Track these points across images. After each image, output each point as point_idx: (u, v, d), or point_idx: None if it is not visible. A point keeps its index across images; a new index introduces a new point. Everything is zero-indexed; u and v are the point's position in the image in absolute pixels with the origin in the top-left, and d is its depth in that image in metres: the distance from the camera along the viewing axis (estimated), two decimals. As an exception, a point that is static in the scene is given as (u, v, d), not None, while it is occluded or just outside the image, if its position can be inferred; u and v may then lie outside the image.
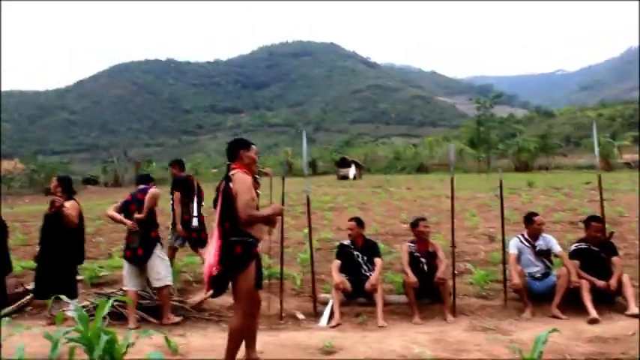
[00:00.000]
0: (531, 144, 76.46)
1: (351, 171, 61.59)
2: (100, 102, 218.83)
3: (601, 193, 7.38)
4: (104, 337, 3.64)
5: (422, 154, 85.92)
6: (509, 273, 6.31)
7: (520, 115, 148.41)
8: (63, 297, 4.58)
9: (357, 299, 6.40)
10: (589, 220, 6.61)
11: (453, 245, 6.70)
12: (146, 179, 6.89)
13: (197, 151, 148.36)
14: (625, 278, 6.17)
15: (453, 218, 6.53)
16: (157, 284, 6.23)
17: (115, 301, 6.28)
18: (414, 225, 6.56)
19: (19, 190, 63.16)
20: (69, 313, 5.97)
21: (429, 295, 6.25)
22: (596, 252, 6.41)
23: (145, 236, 6.30)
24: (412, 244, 6.46)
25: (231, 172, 4.27)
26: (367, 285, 6.16)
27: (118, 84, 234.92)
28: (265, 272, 7.23)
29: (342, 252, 6.55)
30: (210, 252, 4.13)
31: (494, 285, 7.01)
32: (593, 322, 5.59)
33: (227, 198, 4.15)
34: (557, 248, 6.44)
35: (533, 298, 6.28)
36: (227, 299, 6.87)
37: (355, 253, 6.49)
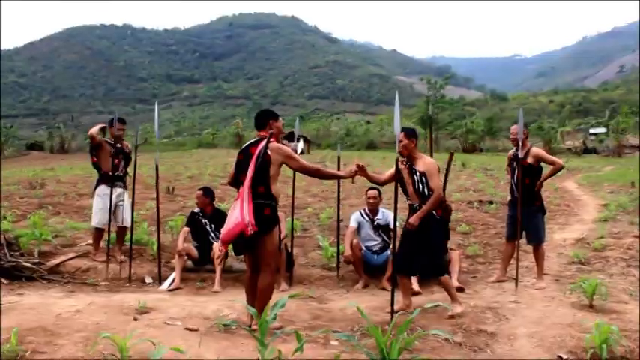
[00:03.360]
0: (479, 126, 77.97)
1: (299, 145, 61.76)
2: (52, 66, 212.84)
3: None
4: None
5: (373, 132, 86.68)
6: (344, 245, 6.70)
7: (474, 97, 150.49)
8: None
9: (205, 266, 6.71)
10: (367, 190, 6.93)
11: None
12: None
13: (150, 120, 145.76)
14: (454, 255, 6.62)
15: (291, 195, 6.87)
16: None
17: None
18: None
19: (-42, 154, 61.39)
20: None
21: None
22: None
23: None
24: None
25: (268, 142, 4.54)
26: (212, 252, 6.47)
27: (72, 48, 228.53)
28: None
29: (192, 220, 6.84)
30: (236, 214, 4.37)
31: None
32: (412, 293, 5.99)
33: (264, 164, 4.46)
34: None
35: (372, 270, 6.66)
36: (84, 262, 7.18)
37: (204, 221, 6.80)
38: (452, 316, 5.03)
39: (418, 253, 5.21)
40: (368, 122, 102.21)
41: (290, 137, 64.85)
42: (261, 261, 4.58)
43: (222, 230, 4.52)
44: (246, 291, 4.76)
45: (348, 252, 6.49)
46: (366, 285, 6.47)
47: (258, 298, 4.51)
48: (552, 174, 6.68)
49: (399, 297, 5.37)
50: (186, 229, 6.77)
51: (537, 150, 6.59)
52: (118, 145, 7.30)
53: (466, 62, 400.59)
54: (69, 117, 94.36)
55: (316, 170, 4.78)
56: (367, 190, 6.87)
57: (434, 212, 5.22)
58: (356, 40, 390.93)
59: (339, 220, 7.13)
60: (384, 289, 6.33)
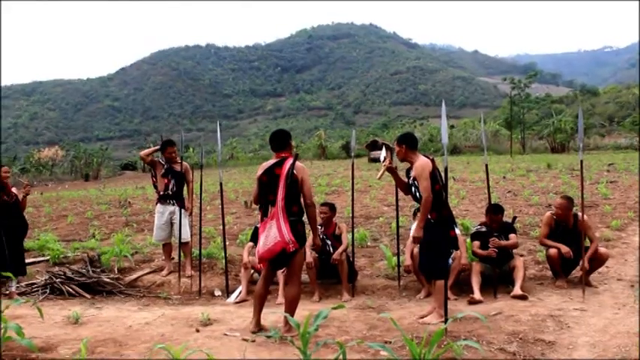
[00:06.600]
0: (568, 124, 74.78)
1: (382, 153, 61.23)
2: (142, 89, 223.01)
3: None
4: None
5: (456, 136, 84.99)
6: (404, 255, 6.71)
7: (562, 94, 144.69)
8: (9, 274, 5.21)
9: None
10: (487, 212, 6.83)
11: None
12: None
13: (237, 135, 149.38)
14: (519, 262, 6.49)
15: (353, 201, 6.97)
16: None
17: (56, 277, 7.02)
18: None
19: (61, 176, 65.33)
20: (12, 289, 6.70)
21: (334, 274, 6.70)
22: (495, 235, 6.69)
23: None
24: (321, 227, 6.91)
25: (293, 162, 4.84)
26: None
27: (160, 70, 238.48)
28: (204, 252, 7.85)
29: (255, 234, 7.05)
30: (274, 233, 4.69)
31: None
32: (473, 302, 5.94)
33: (293, 184, 4.80)
34: (455, 231, 6.76)
35: (434, 279, 6.64)
36: (158, 277, 7.57)
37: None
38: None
39: (421, 254, 5.52)
40: (452, 126, 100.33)
41: (373, 145, 64.75)
42: (290, 272, 4.96)
43: (260, 249, 4.79)
44: (255, 301, 5.05)
45: (407, 261, 6.52)
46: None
47: (286, 307, 4.90)
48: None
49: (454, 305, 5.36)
50: (250, 243, 7.00)
51: (587, 220, 6.73)
52: (166, 166, 7.76)
53: (552, 58, 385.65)
54: (159, 137, 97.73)
55: (311, 205, 4.93)
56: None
57: (428, 216, 5.28)
58: (436, 44, 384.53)
59: (398, 229, 7.16)
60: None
